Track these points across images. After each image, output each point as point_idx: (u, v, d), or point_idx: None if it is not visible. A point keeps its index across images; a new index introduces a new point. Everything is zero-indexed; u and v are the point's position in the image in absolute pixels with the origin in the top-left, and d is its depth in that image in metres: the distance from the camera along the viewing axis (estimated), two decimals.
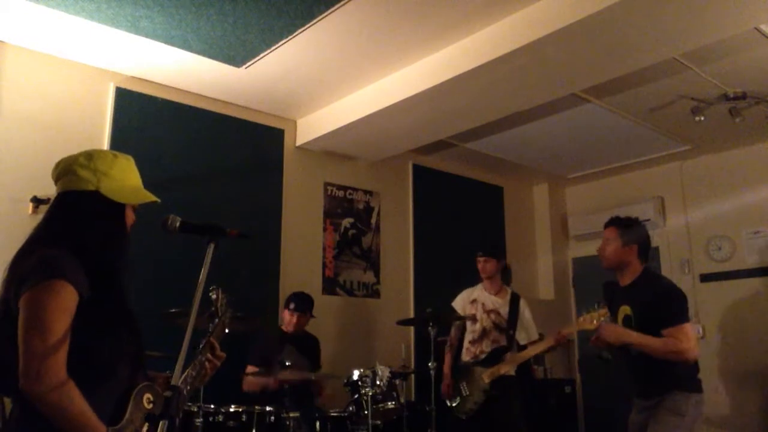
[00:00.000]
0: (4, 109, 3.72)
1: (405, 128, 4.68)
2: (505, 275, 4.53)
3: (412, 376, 4.94)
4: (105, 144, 4.03)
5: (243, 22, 3.49)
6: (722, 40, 3.51)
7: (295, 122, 5.05)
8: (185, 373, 1.76)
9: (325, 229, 5.10)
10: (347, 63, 4.06)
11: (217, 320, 2.01)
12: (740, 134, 5.23)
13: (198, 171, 4.42)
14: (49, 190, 3.65)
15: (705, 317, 5.51)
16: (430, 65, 3.99)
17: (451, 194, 6.02)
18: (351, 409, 3.70)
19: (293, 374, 3.62)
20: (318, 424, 3.57)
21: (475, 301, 4.46)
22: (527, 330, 4.41)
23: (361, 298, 5.20)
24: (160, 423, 1.52)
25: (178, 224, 1.77)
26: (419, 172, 5.81)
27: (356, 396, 3.71)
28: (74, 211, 1.68)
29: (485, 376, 4.15)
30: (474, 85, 3.93)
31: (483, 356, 4.29)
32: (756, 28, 3.56)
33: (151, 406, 1.59)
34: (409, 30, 3.67)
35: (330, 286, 5.02)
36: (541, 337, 4.36)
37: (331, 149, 5.13)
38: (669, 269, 5.77)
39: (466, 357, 4.40)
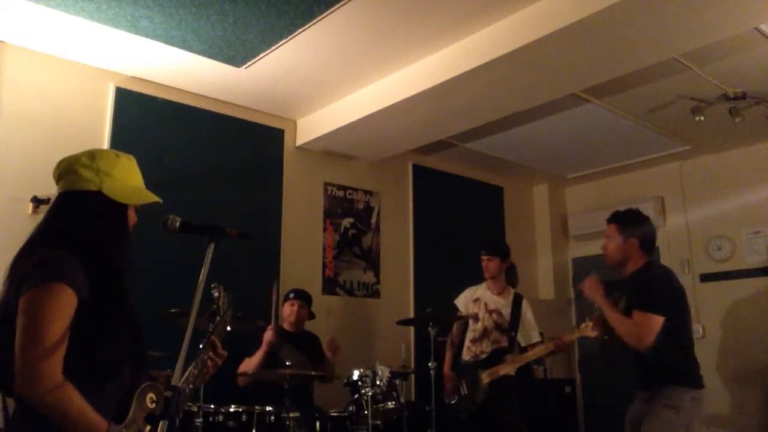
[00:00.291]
0: (4, 109, 3.72)
1: (405, 128, 4.68)
2: (509, 276, 4.50)
3: (412, 376, 4.94)
4: (105, 144, 4.03)
5: (243, 22, 3.49)
6: (722, 40, 3.51)
7: (295, 122, 5.05)
8: (187, 372, 1.77)
9: (325, 229, 5.10)
10: (347, 63, 4.06)
11: (218, 318, 2.01)
12: (740, 134, 5.23)
13: (198, 171, 4.42)
14: (49, 190, 3.65)
15: (705, 317, 5.51)
16: (430, 65, 3.99)
17: (451, 194, 6.02)
18: (351, 409, 3.70)
19: (294, 369, 3.62)
20: (318, 424, 3.56)
21: (477, 300, 4.45)
22: (529, 332, 4.40)
23: (361, 298, 5.20)
24: (160, 423, 1.52)
25: (178, 224, 1.77)
26: (419, 172, 5.81)
27: (356, 396, 3.71)
28: (76, 212, 1.67)
29: (485, 377, 4.14)
30: (474, 85, 3.93)
31: (483, 356, 4.28)
32: (756, 28, 3.56)
33: (154, 405, 1.59)
34: (409, 30, 3.68)
35: (330, 286, 5.02)
36: (542, 338, 4.36)
37: (331, 149, 5.13)
38: None
39: (466, 356, 4.40)
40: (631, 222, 3.12)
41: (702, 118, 4.58)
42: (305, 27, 3.55)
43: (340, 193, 5.25)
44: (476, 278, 4.51)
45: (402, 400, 3.90)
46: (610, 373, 5.97)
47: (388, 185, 5.58)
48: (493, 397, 4.14)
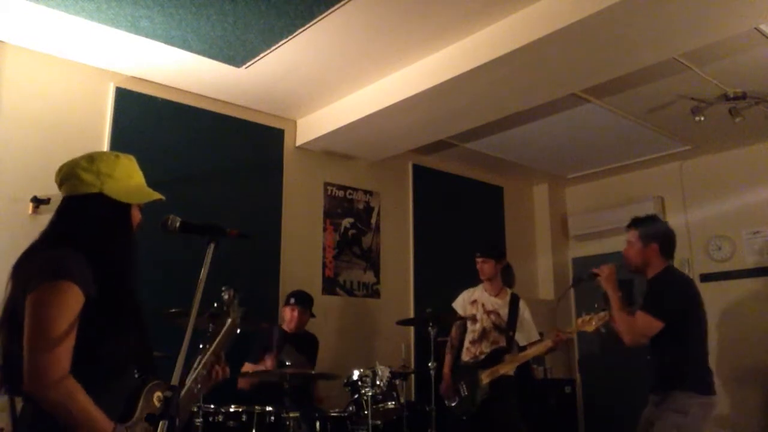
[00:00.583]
0: (4, 109, 3.72)
1: (405, 128, 4.68)
2: (506, 276, 4.52)
3: (412, 376, 4.93)
4: (105, 144, 4.03)
5: (243, 22, 3.49)
6: (722, 40, 3.51)
7: (295, 122, 5.05)
8: (196, 372, 1.79)
9: (325, 229, 5.10)
10: (347, 63, 4.06)
11: (229, 320, 2.03)
12: (740, 134, 5.23)
13: (198, 171, 4.42)
14: (49, 190, 3.67)
15: None
16: (430, 65, 3.99)
17: (451, 194, 6.02)
18: (351, 409, 3.70)
19: (293, 369, 3.62)
20: (318, 424, 3.56)
21: (475, 302, 4.47)
22: (527, 331, 4.40)
23: (361, 298, 5.20)
24: (160, 423, 1.53)
25: (178, 224, 1.77)
26: (419, 172, 5.81)
27: (356, 396, 3.71)
28: (79, 215, 1.69)
29: (484, 377, 4.15)
30: (474, 85, 3.93)
31: (482, 357, 4.29)
32: (756, 28, 3.56)
33: (160, 404, 1.60)
34: (409, 30, 3.67)
35: (330, 286, 5.02)
36: (541, 338, 4.36)
37: (331, 149, 5.13)
38: None
39: (465, 357, 4.41)
40: (651, 227, 3.20)
41: (702, 118, 4.58)
42: (305, 27, 3.55)
43: (340, 193, 5.25)
44: (476, 278, 4.51)
45: (402, 400, 3.90)
46: (610, 373, 6.00)
47: (388, 185, 5.58)
48: (492, 398, 4.15)
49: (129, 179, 1.75)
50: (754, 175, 5.45)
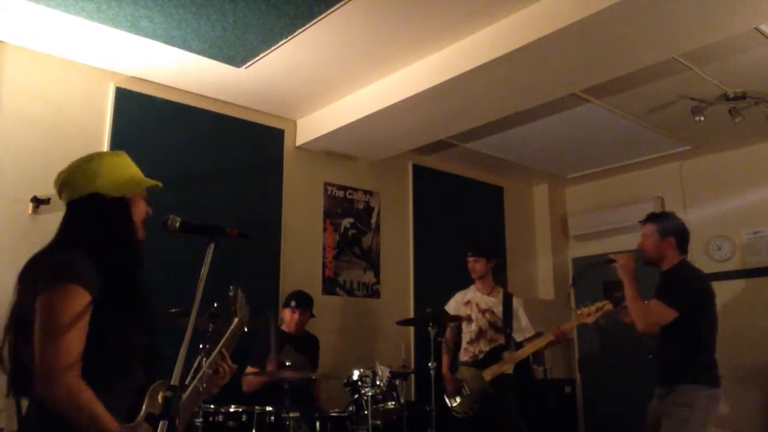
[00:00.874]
0: (4, 109, 3.72)
1: (405, 128, 4.68)
2: (497, 275, 4.56)
3: (412, 376, 4.94)
4: (105, 144, 4.03)
5: (243, 22, 3.49)
6: (722, 40, 3.51)
7: (295, 122, 5.05)
8: (201, 371, 1.80)
9: (325, 229, 5.10)
10: (347, 63, 4.06)
11: (236, 319, 2.04)
12: (740, 134, 5.23)
13: (198, 171, 4.42)
14: (49, 190, 3.65)
15: None
16: (430, 65, 3.99)
17: (451, 194, 6.02)
18: (351, 409, 3.70)
19: (293, 374, 3.62)
20: (318, 424, 3.56)
21: (469, 303, 4.49)
22: (523, 327, 4.43)
23: (361, 298, 5.20)
24: (160, 423, 1.53)
25: (178, 224, 1.78)
26: (419, 172, 5.81)
27: (356, 396, 3.71)
28: (80, 217, 1.71)
29: (486, 375, 4.16)
30: (474, 85, 3.93)
31: (482, 355, 4.30)
32: (756, 28, 3.56)
33: (161, 404, 1.60)
34: (409, 30, 3.67)
35: (330, 286, 5.02)
36: (539, 335, 4.38)
37: (331, 149, 5.13)
38: None
39: (464, 357, 4.42)
40: (668, 222, 3.30)
41: (702, 118, 4.58)
42: (305, 27, 3.55)
43: (340, 193, 5.25)
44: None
45: (402, 400, 3.90)
46: (610, 373, 6.01)
47: (388, 185, 5.58)
48: (493, 397, 4.16)
49: (119, 174, 1.76)
50: (754, 175, 5.45)
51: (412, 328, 5.30)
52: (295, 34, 3.62)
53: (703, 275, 3.33)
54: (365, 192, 5.42)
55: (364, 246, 5.31)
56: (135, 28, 3.57)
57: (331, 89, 4.47)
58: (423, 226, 5.70)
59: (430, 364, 4.07)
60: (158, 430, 1.45)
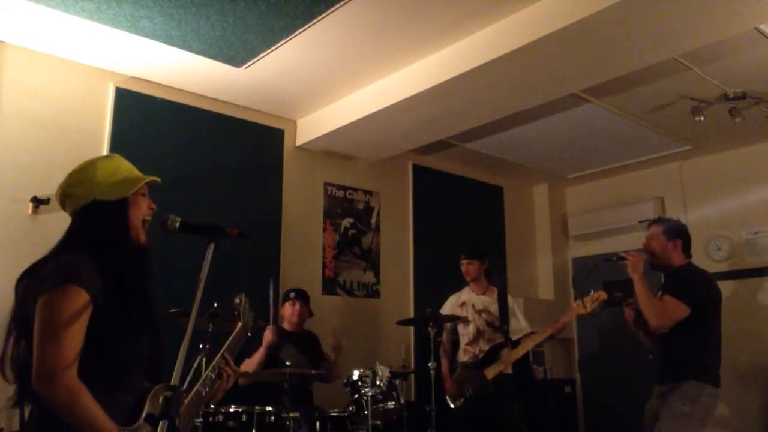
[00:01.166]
0: (4, 109, 3.72)
1: (405, 128, 4.68)
2: (489, 275, 4.58)
3: (412, 376, 4.93)
4: (105, 144, 4.03)
5: (243, 22, 3.49)
6: (722, 40, 3.51)
7: (295, 122, 5.05)
8: (204, 375, 1.81)
9: (325, 229, 5.10)
10: (347, 63, 4.06)
11: (240, 324, 2.04)
12: (740, 134, 5.23)
13: (198, 171, 4.42)
14: (49, 190, 3.66)
15: None
16: (430, 65, 3.99)
17: (451, 194, 6.02)
18: (351, 409, 3.69)
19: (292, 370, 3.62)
20: (318, 424, 3.56)
21: (464, 304, 4.51)
22: (521, 325, 4.44)
23: (361, 298, 5.20)
24: (160, 423, 1.53)
25: (178, 224, 1.77)
26: (419, 172, 5.81)
27: (356, 396, 3.71)
28: (83, 226, 1.72)
29: (488, 374, 4.16)
30: (474, 85, 3.93)
31: (482, 355, 4.30)
32: (756, 28, 3.56)
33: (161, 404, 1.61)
34: (409, 30, 3.67)
35: (330, 286, 5.02)
36: (533, 334, 4.39)
37: (331, 149, 5.13)
38: None
39: (464, 357, 4.42)
40: (674, 224, 3.38)
41: (702, 118, 4.58)
42: (305, 27, 3.55)
43: (340, 193, 5.25)
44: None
45: (402, 400, 3.90)
46: (610, 373, 6.00)
47: (388, 185, 5.58)
48: (494, 397, 4.16)
49: (113, 176, 1.75)
50: (754, 175, 5.45)
51: (412, 328, 5.30)
52: (294, 34, 3.62)
53: (711, 276, 3.40)
54: (365, 192, 5.42)
55: (364, 246, 5.31)
56: (135, 28, 3.57)
57: (331, 89, 4.47)
58: (423, 226, 5.70)
59: (430, 364, 4.07)
60: (158, 430, 1.45)
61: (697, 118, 4.60)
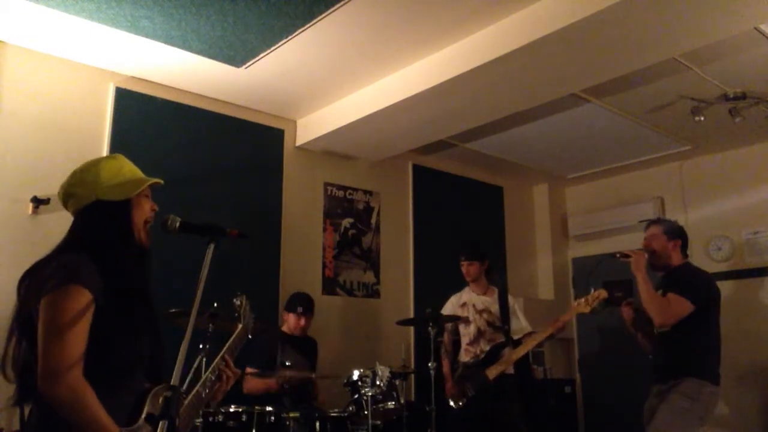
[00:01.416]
0: (4, 109, 3.71)
1: (405, 128, 4.68)
2: (489, 275, 4.58)
3: (412, 376, 4.93)
4: (105, 144, 4.03)
5: (243, 22, 3.49)
6: (722, 40, 3.51)
7: (295, 122, 5.05)
8: (204, 376, 1.81)
9: (325, 230, 5.10)
10: (347, 63, 4.06)
11: (240, 326, 2.05)
12: (740, 134, 5.23)
13: (198, 171, 4.42)
14: (49, 190, 3.67)
15: None
16: (430, 65, 3.99)
17: (451, 194, 6.02)
18: (351, 409, 3.69)
19: (294, 373, 3.63)
20: (318, 424, 3.56)
21: (465, 305, 4.51)
22: (521, 324, 4.44)
23: (361, 298, 5.20)
24: (160, 423, 1.53)
25: (178, 224, 1.78)
26: (419, 172, 5.81)
27: (356, 396, 3.71)
28: (85, 226, 1.72)
29: (490, 374, 4.16)
30: (474, 85, 3.93)
31: (483, 355, 4.30)
32: (756, 28, 3.56)
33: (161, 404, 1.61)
34: (409, 30, 3.67)
35: (330, 286, 5.02)
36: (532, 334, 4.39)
37: (331, 149, 5.13)
38: None
39: (466, 357, 4.42)
40: (673, 225, 3.42)
41: (702, 118, 4.58)
42: (305, 27, 3.55)
43: (340, 193, 5.25)
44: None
45: (402, 400, 3.90)
46: (610, 373, 6.00)
47: (388, 185, 5.58)
48: (495, 397, 4.17)
49: (117, 177, 1.75)
50: (754, 175, 5.45)
51: (412, 328, 5.30)
52: (294, 34, 3.62)
53: (711, 275, 3.44)
54: (365, 192, 5.42)
55: (364, 246, 5.31)
56: (135, 28, 3.57)
57: (331, 89, 4.47)
58: (423, 226, 5.70)
59: (430, 364, 4.07)
60: (158, 430, 1.45)
61: (697, 118, 4.60)
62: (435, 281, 5.49)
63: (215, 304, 3.07)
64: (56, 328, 1.50)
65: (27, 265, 1.69)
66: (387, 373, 3.75)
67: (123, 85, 4.17)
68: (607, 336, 6.09)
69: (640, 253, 3.32)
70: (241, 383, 3.82)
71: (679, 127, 5.12)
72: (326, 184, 5.17)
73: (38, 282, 1.58)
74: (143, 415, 1.59)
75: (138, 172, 1.82)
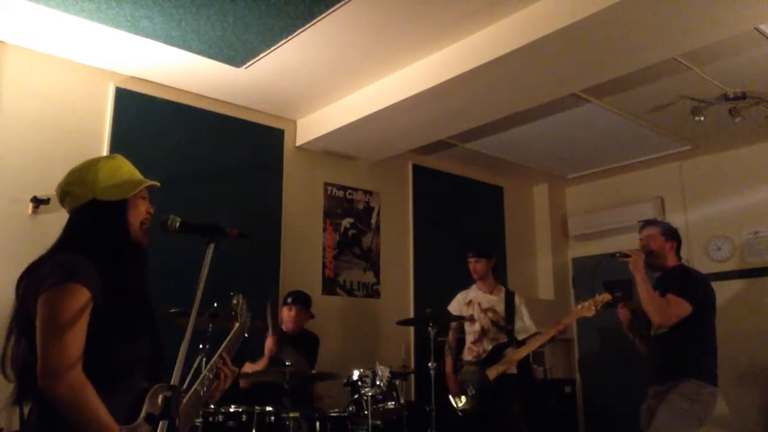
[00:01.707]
0: (4, 109, 3.72)
1: (405, 128, 4.68)
2: (497, 273, 4.59)
3: (412, 376, 4.93)
4: (105, 144, 4.03)
5: (243, 22, 3.49)
6: (722, 40, 3.51)
7: (295, 122, 5.05)
8: (202, 375, 1.81)
9: (325, 229, 5.10)
10: (347, 63, 4.06)
11: (237, 324, 2.07)
12: (740, 134, 5.23)
13: (198, 171, 4.42)
14: (49, 190, 3.66)
15: None
16: (430, 65, 3.99)
17: (451, 194, 6.02)
18: (351, 409, 3.69)
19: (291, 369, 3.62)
20: (318, 424, 3.56)
21: (471, 302, 4.51)
22: (525, 325, 4.44)
23: (361, 298, 5.20)
24: (160, 423, 1.53)
25: (178, 224, 1.78)
26: (419, 172, 5.81)
27: (356, 396, 3.71)
28: (81, 225, 1.72)
29: (490, 374, 4.16)
30: (474, 85, 3.93)
31: (485, 354, 4.31)
32: (756, 28, 3.56)
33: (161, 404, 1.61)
34: (409, 30, 3.67)
35: (330, 286, 5.02)
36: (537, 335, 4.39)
37: (331, 149, 5.13)
38: None
39: (468, 356, 4.42)
40: (669, 227, 3.44)
41: (702, 118, 4.58)
42: (305, 27, 3.55)
43: (340, 193, 5.25)
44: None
45: (402, 400, 3.90)
46: (610, 373, 6.00)
47: (388, 185, 5.58)
48: (496, 397, 4.17)
49: (114, 178, 1.75)
50: (754, 175, 5.45)
51: (412, 328, 5.30)
52: (294, 34, 3.62)
53: (707, 277, 3.45)
54: (365, 192, 5.42)
55: (364, 246, 5.31)
56: (135, 28, 3.57)
57: (331, 89, 4.47)
58: (423, 226, 5.70)
59: (430, 364, 4.06)
60: (158, 430, 1.45)
61: (697, 118, 4.60)
62: (435, 281, 5.50)
63: (215, 304, 3.07)
64: (55, 326, 1.50)
65: (26, 265, 1.69)
66: (387, 373, 3.75)
67: (123, 85, 4.17)
68: (607, 336, 6.09)
69: (639, 253, 3.33)
70: (239, 381, 3.82)
71: (679, 127, 5.12)
72: (326, 184, 5.17)
73: (36, 281, 1.58)
74: (142, 414, 1.58)
75: (136, 173, 1.81)
